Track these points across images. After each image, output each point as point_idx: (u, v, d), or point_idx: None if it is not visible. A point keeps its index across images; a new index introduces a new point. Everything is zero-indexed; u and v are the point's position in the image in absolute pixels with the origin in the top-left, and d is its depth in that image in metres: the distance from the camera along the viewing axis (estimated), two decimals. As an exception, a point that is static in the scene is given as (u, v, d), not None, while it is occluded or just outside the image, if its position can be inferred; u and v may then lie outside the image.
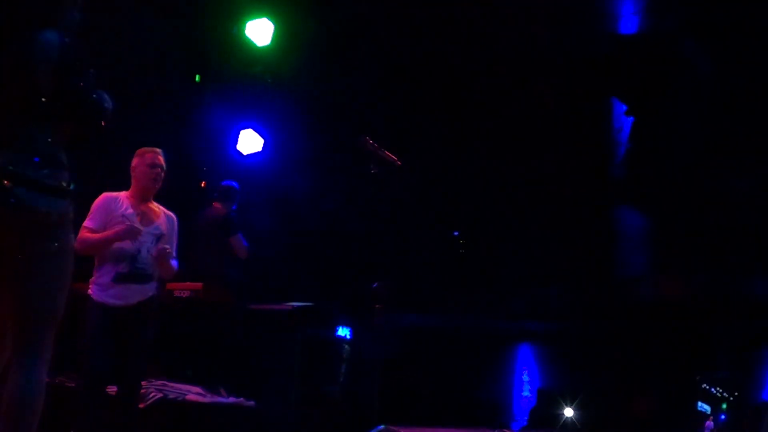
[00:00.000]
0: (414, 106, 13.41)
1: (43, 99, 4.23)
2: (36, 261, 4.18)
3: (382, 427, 4.29)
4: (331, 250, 13.01)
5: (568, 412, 10.31)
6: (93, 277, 7.05)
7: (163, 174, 7.35)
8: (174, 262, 7.40)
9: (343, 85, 12.79)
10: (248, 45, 12.23)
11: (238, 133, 12.51)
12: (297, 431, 8.96)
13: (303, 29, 12.28)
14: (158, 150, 7.37)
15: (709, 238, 13.04)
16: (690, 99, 13.56)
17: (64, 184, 4.30)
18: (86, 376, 6.94)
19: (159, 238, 7.25)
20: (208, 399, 8.89)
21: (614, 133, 14.46)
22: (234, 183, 10.67)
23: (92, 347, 6.94)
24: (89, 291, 7.03)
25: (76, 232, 4.47)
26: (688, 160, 13.67)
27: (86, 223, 7.08)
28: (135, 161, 7.32)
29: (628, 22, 13.91)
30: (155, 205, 7.41)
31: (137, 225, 7.11)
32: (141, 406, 7.96)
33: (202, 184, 12.28)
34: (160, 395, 8.25)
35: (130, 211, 7.17)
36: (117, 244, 7.02)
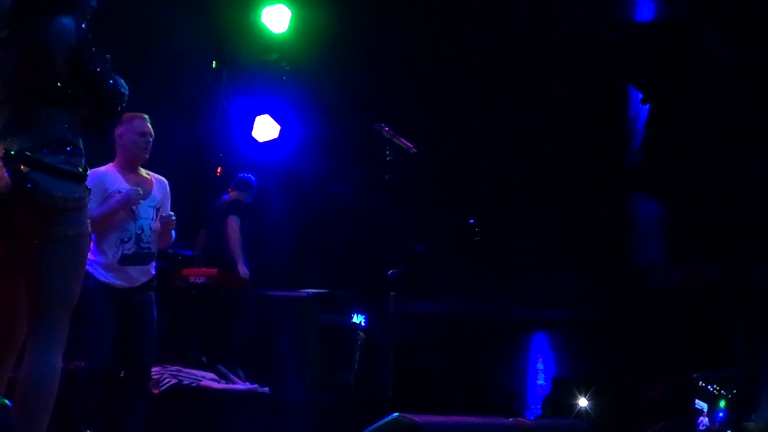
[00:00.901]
0: (430, 93, 13.39)
1: (60, 84, 4.24)
2: (51, 246, 4.19)
3: (397, 414, 4.28)
4: (346, 236, 13.02)
5: (583, 402, 10.29)
6: (94, 256, 6.73)
7: (151, 142, 7.10)
8: (172, 231, 7.25)
9: (359, 71, 12.78)
10: (264, 32, 12.22)
11: (254, 120, 12.52)
12: (311, 418, 8.97)
13: (320, 15, 12.26)
14: (146, 116, 7.11)
15: (726, 227, 12.99)
16: (707, 86, 13.51)
17: (80, 169, 4.31)
18: (94, 361, 6.76)
19: (158, 209, 7.06)
20: (222, 385, 8.93)
21: (630, 121, 14.42)
22: (251, 175, 10.69)
23: (100, 331, 6.74)
24: (90, 270, 6.51)
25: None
26: (705, 147, 13.62)
27: None
28: (120, 129, 7.03)
29: (645, 9, 13.86)
30: (144, 172, 7.17)
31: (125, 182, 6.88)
32: (156, 392, 8.00)
33: (218, 171, 12.30)
34: (174, 381, 8.29)
35: (125, 186, 6.89)
36: (120, 223, 6.83)
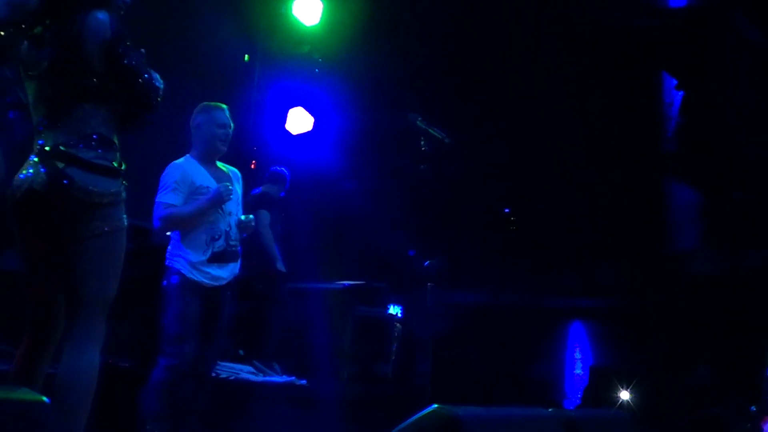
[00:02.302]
0: (464, 82, 13.37)
1: (95, 80, 4.24)
2: (88, 242, 4.19)
3: (436, 405, 4.25)
4: (381, 228, 13.01)
5: (623, 392, 10.22)
6: (180, 253, 6.59)
7: (231, 134, 6.87)
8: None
9: (392, 62, 12.76)
10: (296, 24, 12.21)
11: (288, 113, 12.52)
12: (348, 411, 8.96)
13: (351, 7, 12.24)
14: (224, 106, 6.89)
15: (763, 213, 12.91)
16: (741, 72, 13.43)
17: (116, 164, 4.31)
18: (174, 360, 6.44)
19: (238, 203, 6.86)
20: (260, 378, 8.94)
21: (665, 108, 14.34)
22: (284, 168, 10.66)
23: (181, 329, 6.47)
24: (175, 266, 6.58)
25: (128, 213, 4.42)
26: (740, 133, 13.54)
27: (164, 198, 6.59)
28: (199, 119, 6.82)
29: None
30: (221, 165, 6.93)
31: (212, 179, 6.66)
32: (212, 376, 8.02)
33: (252, 165, 12.31)
34: (212, 374, 8.29)
35: (211, 180, 6.65)
36: (210, 220, 6.60)
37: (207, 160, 6.79)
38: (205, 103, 6.88)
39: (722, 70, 13.42)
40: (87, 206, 4.17)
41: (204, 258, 6.56)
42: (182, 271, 6.53)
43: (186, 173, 6.64)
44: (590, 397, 11.14)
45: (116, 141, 4.36)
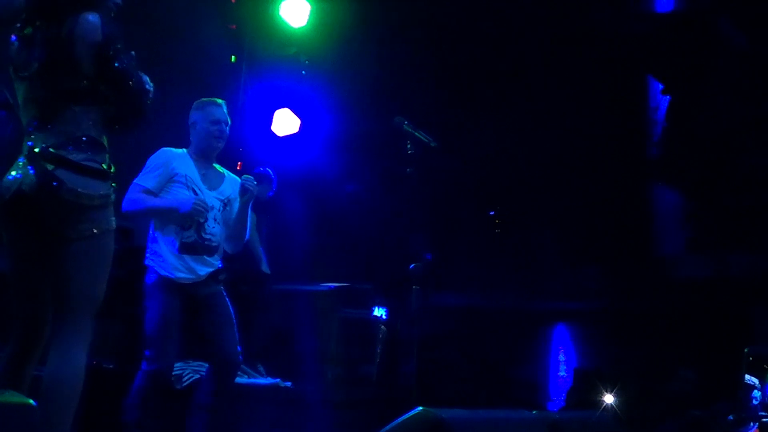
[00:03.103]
0: (450, 86, 13.38)
1: (85, 81, 4.24)
2: (77, 244, 4.20)
3: (421, 408, 4.27)
4: (366, 230, 13.02)
5: (607, 395, 10.26)
6: (155, 248, 6.40)
7: (227, 130, 6.69)
8: (247, 231, 6.81)
9: (379, 65, 12.76)
10: (283, 26, 12.19)
11: (274, 114, 12.50)
12: (333, 412, 8.97)
13: (339, 9, 12.23)
14: (220, 101, 6.72)
15: (747, 217, 12.96)
16: (726, 77, 13.48)
17: (105, 166, 4.31)
18: (154, 365, 6.24)
19: (226, 204, 6.60)
20: (245, 380, 8.93)
21: (651, 112, 14.39)
22: (269, 170, 10.64)
23: (160, 331, 6.25)
24: (151, 264, 6.39)
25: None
26: (725, 138, 13.58)
27: (139, 179, 6.37)
28: (194, 116, 6.64)
29: (665, 0, 13.83)
30: (218, 167, 6.74)
31: (201, 192, 6.43)
32: (178, 387, 7.98)
33: (238, 166, 12.30)
34: (197, 376, 8.28)
35: (195, 172, 6.46)
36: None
37: (203, 157, 6.61)
38: (202, 99, 6.75)
39: (708, 75, 13.47)
40: (76, 208, 4.17)
41: (173, 249, 6.35)
42: (156, 268, 6.36)
43: (170, 158, 6.46)
44: (574, 399, 11.18)
45: (106, 143, 4.37)
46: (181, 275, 6.36)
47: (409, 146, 6.87)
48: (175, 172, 6.41)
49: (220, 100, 6.75)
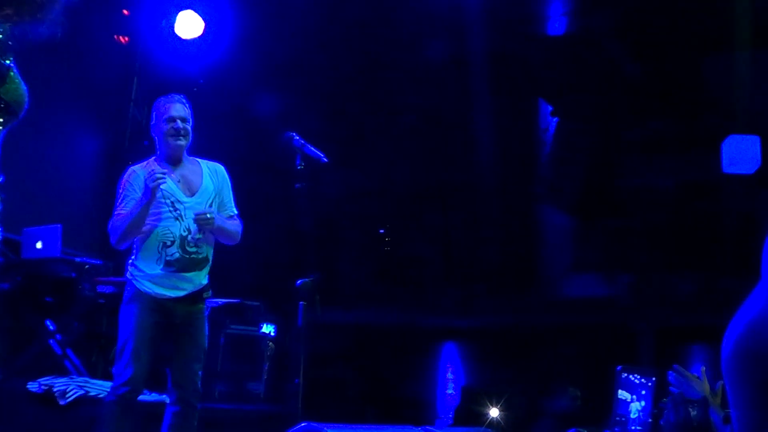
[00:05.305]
0: (343, 102, 13.40)
1: None
2: None
3: (305, 423, 4.28)
4: (255, 246, 12.96)
5: (494, 411, 10.35)
6: (135, 263, 6.17)
7: (188, 127, 6.33)
8: (231, 222, 6.59)
9: (269, 81, 12.73)
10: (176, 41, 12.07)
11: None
12: (220, 429, 8.89)
13: (230, 25, 12.17)
14: (176, 97, 6.39)
15: (633, 238, 13.20)
16: (615, 100, 13.73)
17: None
18: (127, 381, 5.96)
19: (212, 202, 6.36)
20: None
21: (540, 133, 14.59)
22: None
23: (139, 346, 5.98)
24: (129, 278, 6.17)
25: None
26: (611, 160, 13.83)
27: (117, 209, 6.11)
28: (151, 116, 6.39)
29: (557, 24, 14.04)
30: (192, 162, 6.45)
31: (181, 203, 6.14)
32: (62, 403, 7.86)
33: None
34: (81, 392, 8.17)
35: (168, 181, 6.11)
36: (161, 223, 6.07)
37: (167, 159, 6.33)
38: (160, 96, 6.47)
39: (597, 97, 13.71)
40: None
41: (158, 268, 6.11)
42: (134, 283, 6.13)
43: (137, 177, 6.18)
44: (461, 416, 11.25)
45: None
46: (162, 291, 6.14)
47: (299, 162, 6.86)
48: (145, 183, 6.11)
49: (177, 96, 6.45)
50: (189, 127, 6.38)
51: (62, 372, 8.61)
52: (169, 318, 6.16)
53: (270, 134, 8.73)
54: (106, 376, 9.19)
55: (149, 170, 6.08)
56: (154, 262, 6.11)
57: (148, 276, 6.11)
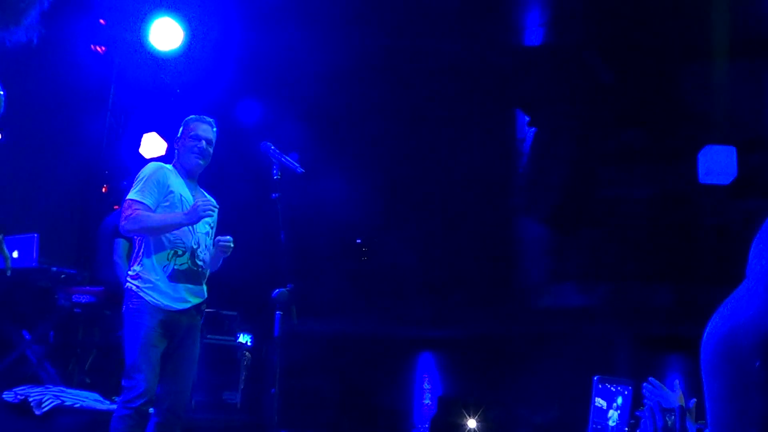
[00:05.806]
0: (319, 111, 13.40)
1: None
2: None
3: (281, 433, 4.28)
4: (232, 256, 12.94)
5: (471, 422, 10.36)
6: (137, 271, 6.08)
7: (210, 150, 6.48)
8: (221, 259, 6.57)
9: (246, 89, 12.73)
10: (154, 50, 12.06)
11: (141, 137, 12.37)
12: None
13: (210, 36, 12.17)
14: (208, 119, 6.55)
15: (610, 248, 13.24)
16: (591, 110, 13.78)
17: None
18: (142, 392, 5.85)
19: (212, 228, 6.42)
20: (106, 406, 8.79)
21: (517, 143, 14.62)
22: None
23: (151, 358, 5.91)
24: (133, 287, 6.06)
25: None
26: (588, 170, 13.87)
27: (137, 196, 6.08)
28: (181, 131, 6.50)
29: (534, 34, 14.09)
30: (201, 190, 6.51)
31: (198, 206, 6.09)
32: (38, 413, 7.83)
33: (104, 189, 12.12)
34: (57, 402, 8.14)
35: (187, 192, 6.26)
36: (175, 234, 6.07)
37: (185, 173, 6.42)
38: (191, 115, 6.59)
39: (574, 109, 13.75)
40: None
41: (165, 276, 6.06)
42: (140, 293, 6.03)
43: (164, 175, 6.23)
44: (438, 426, 11.24)
45: None
46: (170, 303, 6.09)
47: (275, 171, 6.85)
48: (170, 191, 6.21)
49: (209, 118, 6.61)
50: (211, 151, 6.55)
51: (38, 381, 8.58)
52: (173, 330, 6.13)
53: (247, 144, 8.73)
54: (82, 386, 9.17)
55: (203, 199, 6.21)
56: (161, 269, 6.08)
57: (157, 287, 6.05)
